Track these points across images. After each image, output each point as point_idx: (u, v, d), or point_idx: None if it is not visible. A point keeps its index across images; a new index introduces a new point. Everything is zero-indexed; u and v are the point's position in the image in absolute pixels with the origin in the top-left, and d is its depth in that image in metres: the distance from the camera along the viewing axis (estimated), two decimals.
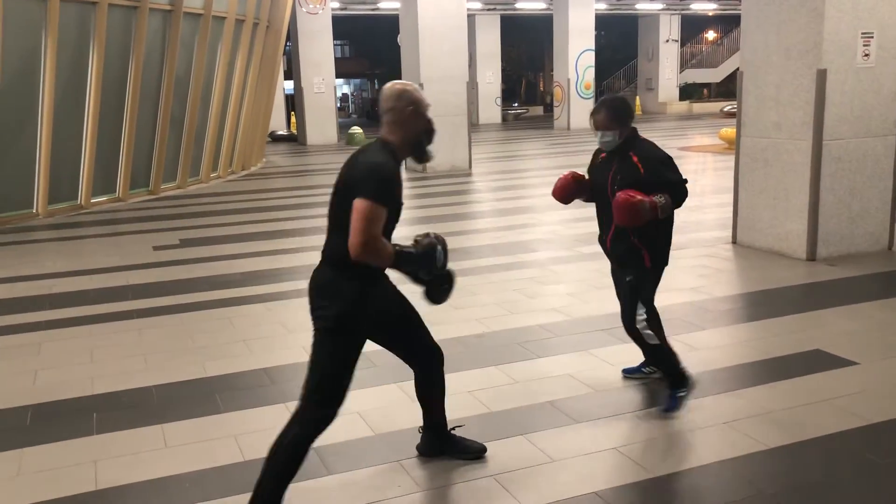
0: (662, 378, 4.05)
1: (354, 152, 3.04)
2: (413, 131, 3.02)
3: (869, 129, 6.80)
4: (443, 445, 3.50)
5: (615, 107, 3.80)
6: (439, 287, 3.10)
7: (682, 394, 3.90)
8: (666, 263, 3.93)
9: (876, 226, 7.04)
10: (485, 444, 3.55)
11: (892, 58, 6.77)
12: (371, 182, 2.81)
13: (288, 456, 2.94)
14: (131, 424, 3.97)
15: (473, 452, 3.49)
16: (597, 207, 4.02)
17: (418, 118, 3.01)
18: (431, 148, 3.11)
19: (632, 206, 3.58)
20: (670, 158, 3.80)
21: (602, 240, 4.03)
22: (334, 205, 2.97)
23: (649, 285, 3.89)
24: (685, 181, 3.78)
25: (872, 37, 6.62)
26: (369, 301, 2.97)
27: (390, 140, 3.01)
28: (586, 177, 4.10)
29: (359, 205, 2.77)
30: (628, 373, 4.38)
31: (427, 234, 3.05)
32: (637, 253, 3.81)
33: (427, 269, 3.00)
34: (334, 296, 2.93)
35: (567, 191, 4.04)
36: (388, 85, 3.07)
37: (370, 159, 2.91)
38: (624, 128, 3.78)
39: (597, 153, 4.06)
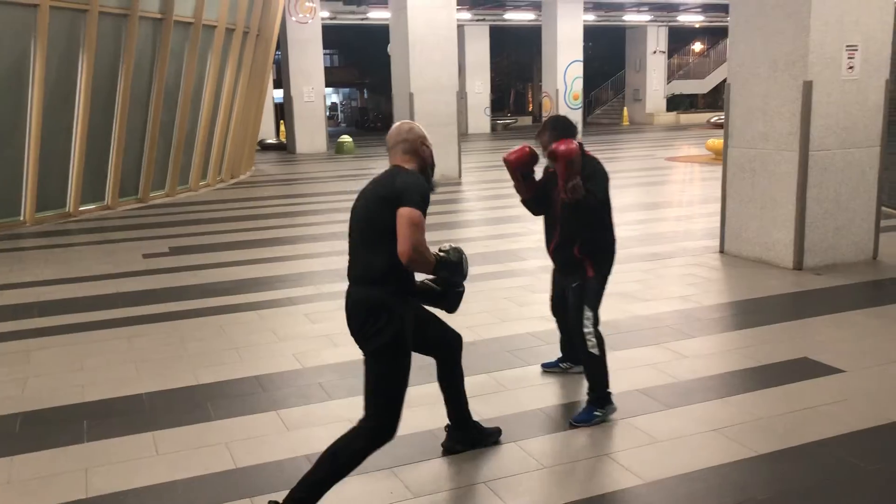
0: (588, 391, 4.01)
1: (376, 181, 3.20)
2: (424, 160, 3.28)
3: (854, 141, 6.89)
4: (472, 437, 3.67)
5: (557, 126, 4.01)
6: (458, 295, 3.37)
7: (598, 413, 3.92)
8: (608, 274, 4.04)
9: (861, 236, 7.12)
10: (477, 451, 3.57)
11: (876, 70, 6.86)
12: (416, 193, 3.01)
13: (346, 464, 3.03)
14: (122, 432, 3.96)
15: (497, 435, 3.74)
16: (545, 218, 4.22)
17: (426, 151, 3.29)
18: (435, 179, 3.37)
19: (571, 151, 3.73)
20: (603, 174, 3.93)
21: (547, 246, 4.23)
22: (367, 223, 3.09)
23: (593, 293, 3.98)
24: (603, 200, 3.91)
25: (857, 49, 6.72)
26: (410, 312, 3.16)
27: (407, 167, 3.21)
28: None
29: (407, 213, 2.95)
30: (547, 367, 4.64)
31: (448, 246, 3.29)
32: (579, 263, 3.98)
33: (460, 275, 3.26)
34: (388, 313, 3.04)
35: (521, 162, 4.11)
36: (397, 123, 3.34)
37: (405, 176, 3.10)
38: None
39: (546, 168, 4.22)
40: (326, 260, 7.97)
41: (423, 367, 4.74)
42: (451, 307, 3.39)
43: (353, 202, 3.23)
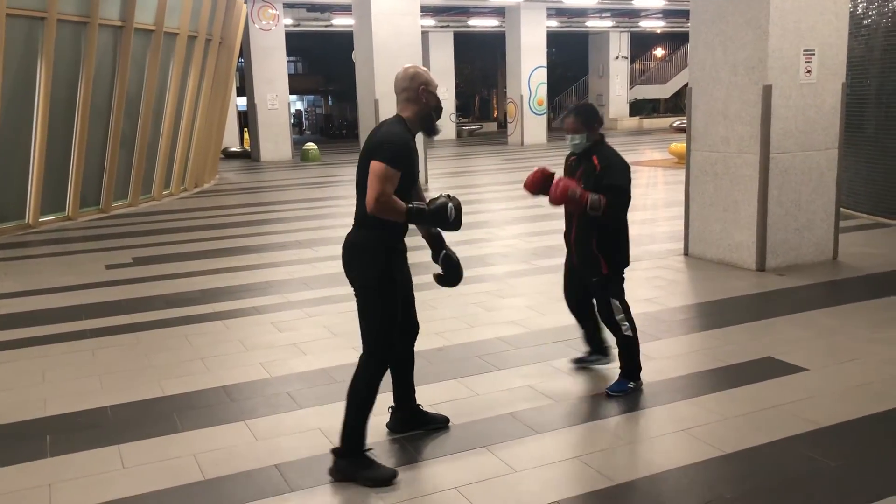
0: (621, 365, 4.33)
1: (370, 133, 3.47)
2: (425, 108, 3.46)
3: (813, 143, 7.03)
4: (415, 420, 3.88)
5: (583, 112, 4.17)
6: (452, 269, 3.64)
7: (631, 385, 4.27)
8: (626, 265, 4.27)
9: (821, 236, 7.26)
10: (447, 456, 3.57)
11: (833, 74, 7.02)
12: (385, 148, 3.27)
13: (365, 394, 3.39)
14: (87, 446, 3.89)
15: (441, 422, 3.92)
16: (565, 207, 4.28)
17: (429, 96, 3.45)
18: (439, 124, 3.55)
19: (565, 188, 3.98)
20: (626, 168, 4.13)
21: (567, 235, 4.38)
22: (358, 172, 3.39)
23: (614, 285, 4.23)
24: (625, 192, 4.06)
25: (814, 54, 6.86)
26: (394, 260, 3.44)
27: (404, 115, 3.45)
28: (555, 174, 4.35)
29: (374, 166, 3.23)
30: (579, 362, 4.73)
31: (440, 195, 3.42)
32: (595, 259, 4.17)
33: (441, 226, 3.40)
34: (368, 254, 3.37)
35: (537, 185, 4.27)
36: (402, 69, 3.50)
37: (385, 130, 3.37)
38: (591, 132, 4.16)
39: (568, 157, 4.39)
40: (293, 268, 7.91)
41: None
42: (449, 282, 3.66)
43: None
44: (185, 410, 4.32)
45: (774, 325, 5.51)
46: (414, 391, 3.88)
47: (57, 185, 11.53)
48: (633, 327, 4.25)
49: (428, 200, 3.41)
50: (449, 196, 3.41)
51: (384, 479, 3.37)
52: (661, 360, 4.87)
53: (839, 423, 3.87)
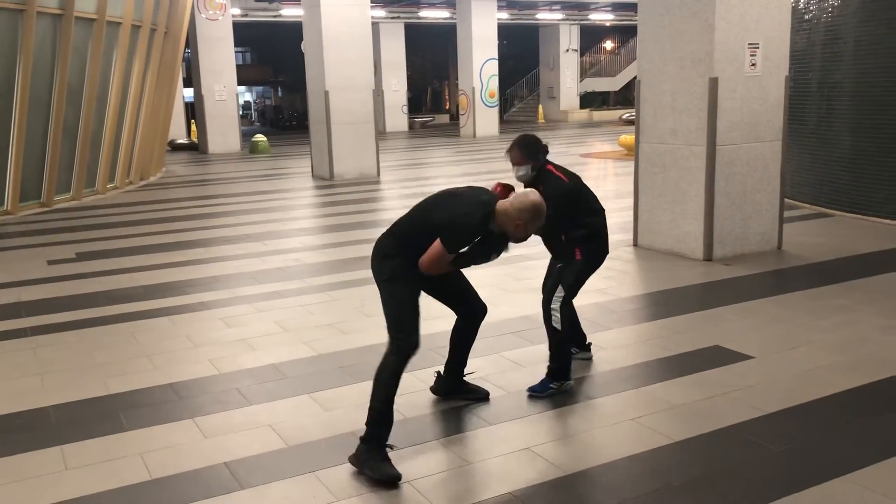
0: (548, 363, 4.26)
1: (454, 196, 3.64)
2: (509, 233, 3.48)
3: (758, 135, 7.17)
4: (457, 389, 4.16)
5: (526, 144, 4.23)
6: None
7: (553, 386, 4.20)
8: (599, 263, 4.34)
9: (766, 227, 7.42)
10: (400, 450, 3.55)
11: (776, 67, 7.16)
12: (454, 232, 3.44)
13: (390, 379, 3.49)
14: (27, 447, 3.77)
15: (482, 395, 4.17)
16: None
17: (519, 231, 3.44)
18: (511, 245, 3.64)
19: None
20: (571, 193, 4.17)
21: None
22: (421, 211, 3.62)
23: (573, 274, 4.22)
24: (558, 212, 3.96)
25: (758, 47, 6.99)
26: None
27: (499, 208, 3.45)
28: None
29: (438, 246, 3.43)
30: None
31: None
32: (569, 247, 4.24)
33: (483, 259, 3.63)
34: (386, 263, 3.61)
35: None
36: (531, 198, 3.45)
37: (464, 210, 3.48)
38: (535, 162, 4.20)
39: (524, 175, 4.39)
40: (241, 262, 7.79)
41: (342, 367, 4.69)
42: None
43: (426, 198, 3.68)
44: (131, 409, 4.22)
45: (721, 315, 5.61)
46: (465, 365, 4.13)
47: None
48: (563, 321, 4.20)
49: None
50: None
51: (387, 478, 3.31)
52: (610, 349, 4.92)
53: (783, 409, 3.95)
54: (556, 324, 4.19)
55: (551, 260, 4.53)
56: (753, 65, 7.00)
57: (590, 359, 4.70)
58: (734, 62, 6.90)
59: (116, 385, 4.56)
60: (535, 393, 4.18)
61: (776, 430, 3.73)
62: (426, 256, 3.45)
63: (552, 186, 4.14)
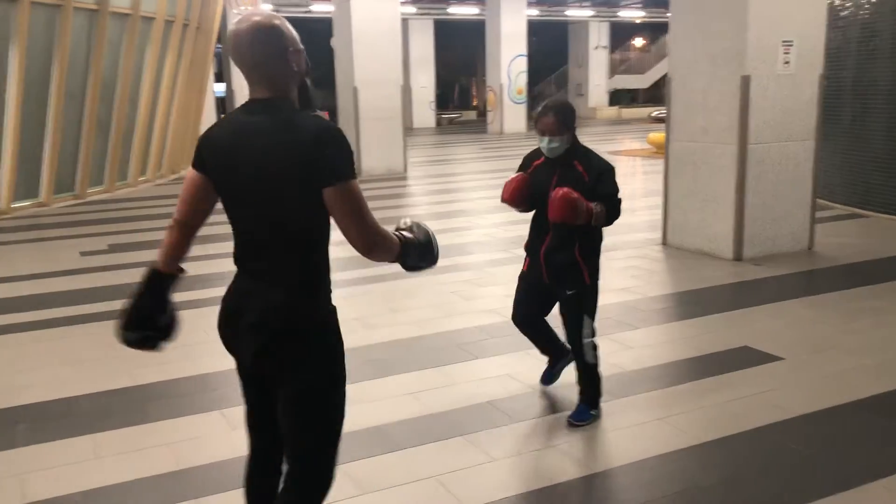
0: (582, 392, 3.89)
1: (250, 120, 2.17)
2: (300, 77, 2.31)
3: (790, 134, 7.07)
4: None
5: (563, 111, 3.59)
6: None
7: (594, 413, 3.85)
8: (598, 281, 3.81)
9: (797, 227, 7.32)
10: (425, 445, 3.56)
11: (811, 65, 7.05)
12: (344, 154, 2.09)
13: None
14: (60, 435, 3.84)
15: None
16: (535, 214, 3.80)
17: (299, 59, 2.24)
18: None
19: (571, 201, 3.42)
20: (613, 169, 3.66)
21: (534, 248, 3.80)
22: (264, 202, 2.18)
23: (593, 300, 3.77)
24: (619, 198, 3.64)
25: (792, 45, 6.89)
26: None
27: (287, 96, 2.23)
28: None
29: (346, 189, 2.08)
30: (548, 381, 4.24)
31: (410, 221, 2.45)
32: (577, 268, 3.66)
33: (428, 260, 2.40)
34: (326, 335, 2.28)
35: (518, 193, 3.71)
36: (248, 24, 2.14)
37: (312, 123, 2.12)
38: (570, 134, 3.61)
39: (529, 159, 3.80)
40: None
41: (370, 361, 4.71)
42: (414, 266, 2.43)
43: None
44: (160, 399, 4.27)
45: (751, 315, 5.55)
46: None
47: (30, 171, 11.35)
48: (596, 354, 3.82)
49: (395, 229, 2.40)
50: (420, 224, 2.43)
51: None
52: (638, 348, 4.89)
53: (814, 411, 3.90)
54: (592, 360, 3.79)
55: (529, 279, 3.90)
56: (787, 63, 6.91)
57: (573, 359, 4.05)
58: (767, 60, 6.81)
59: (146, 376, 4.62)
60: (578, 423, 3.78)
61: (806, 433, 3.68)
62: (352, 220, 2.11)
63: (597, 160, 3.63)
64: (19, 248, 8.70)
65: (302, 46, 2.23)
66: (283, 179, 2.09)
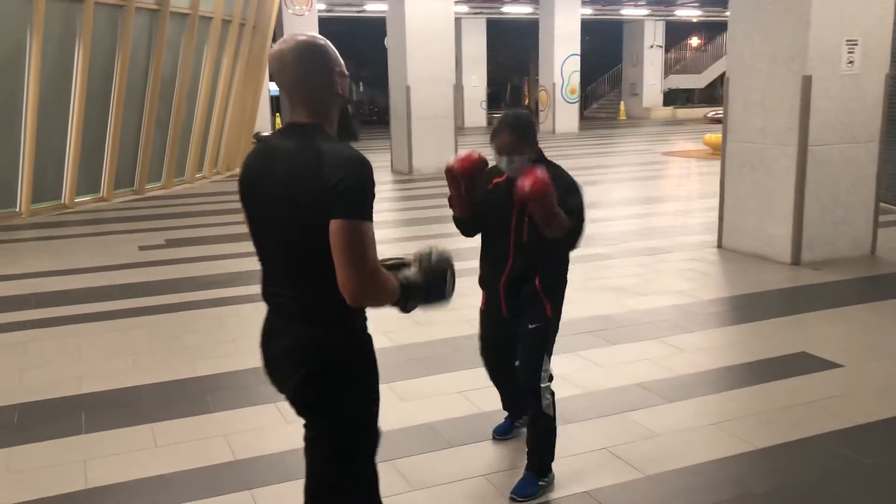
0: (529, 456, 3.30)
1: (271, 146, 2.16)
2: (342, 102, 2.21)
3: (853, 136, 6.89)
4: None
5: (519, 127, 3.09)
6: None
7: (544, 483, 3.26)
8: (560, 315, 3.28)
9: (859, 231, 7.13)
10: (476, 444, 3.56)
11: (876, 65, 6.86)
12: (357, 193, 1.97)
13: None
14: (120, 424, 3.95)
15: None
16: (486, 241, 3.33)
17: (343, 83, 2.17)
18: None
19: (545, 178, 2.87)
20: (579, 187, 3.14)
21: (491, 280, 3.31)
22: (280, 231, 2.08)
23: (553, 337, 3.26)
24: (582, 223, 3.12)
25: (857, 44, 6.72)
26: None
27: (323, 123, 2.13)
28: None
29: (349, 227, 1.94)
30: (500, 433, 3.73)
31: (430, 252, 2.21)
32: (538, 301, 3.19)
33: (435, 296, 2.22)
34: (355, 368, 2.13)
35: (469, 170, 3.11)
36: (292, 43, 2.10)
37: (336, 152, 2.01)
38: (531, 150, 3.10)
39: (489, 175, 3.24)
40: None
41: (420, 359, 4.74)
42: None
43: None
44: (217, 391, 4.37)
45: (809, 320, 5.43)
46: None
47: (93, 167, 11.69)
48: (554, 402, 3.23)
49: (394, 261, 2.18)
50: (441, 253, 2.23)
51: None
52: (693, 352, 4.82)
53: (874, 421, 3.80)
54: (548, 409, 3.19)
55: (491, 315, 3.41)
56: (851, 62, 6.73)
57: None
58: (829, 60, 6.65)
59: (203, 368, 4.73)
60: (522, 499, 3.18)
61: (866, 442, 3.59)
62: (349, 259, 1.94)
63: (565, 175, 3.12)
64: (81, 242, 8.96)
65: (347, 73, 2.13)
66: (302, 207, 1.98)
